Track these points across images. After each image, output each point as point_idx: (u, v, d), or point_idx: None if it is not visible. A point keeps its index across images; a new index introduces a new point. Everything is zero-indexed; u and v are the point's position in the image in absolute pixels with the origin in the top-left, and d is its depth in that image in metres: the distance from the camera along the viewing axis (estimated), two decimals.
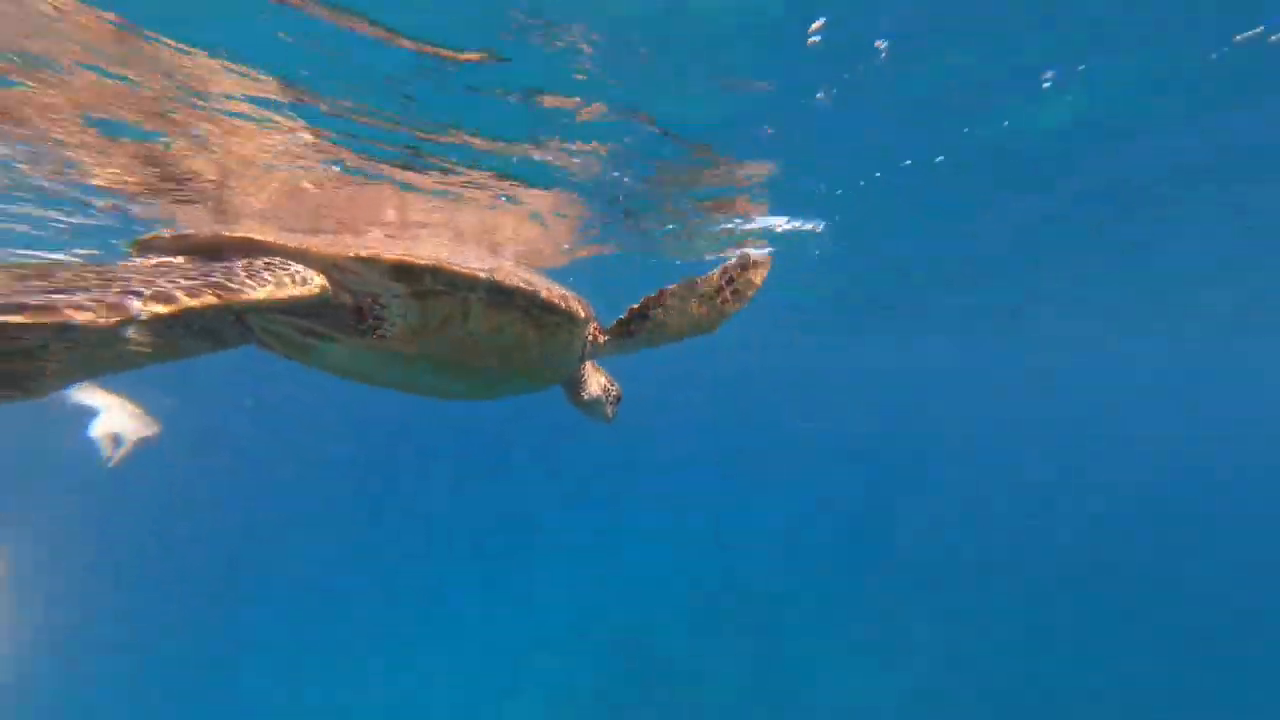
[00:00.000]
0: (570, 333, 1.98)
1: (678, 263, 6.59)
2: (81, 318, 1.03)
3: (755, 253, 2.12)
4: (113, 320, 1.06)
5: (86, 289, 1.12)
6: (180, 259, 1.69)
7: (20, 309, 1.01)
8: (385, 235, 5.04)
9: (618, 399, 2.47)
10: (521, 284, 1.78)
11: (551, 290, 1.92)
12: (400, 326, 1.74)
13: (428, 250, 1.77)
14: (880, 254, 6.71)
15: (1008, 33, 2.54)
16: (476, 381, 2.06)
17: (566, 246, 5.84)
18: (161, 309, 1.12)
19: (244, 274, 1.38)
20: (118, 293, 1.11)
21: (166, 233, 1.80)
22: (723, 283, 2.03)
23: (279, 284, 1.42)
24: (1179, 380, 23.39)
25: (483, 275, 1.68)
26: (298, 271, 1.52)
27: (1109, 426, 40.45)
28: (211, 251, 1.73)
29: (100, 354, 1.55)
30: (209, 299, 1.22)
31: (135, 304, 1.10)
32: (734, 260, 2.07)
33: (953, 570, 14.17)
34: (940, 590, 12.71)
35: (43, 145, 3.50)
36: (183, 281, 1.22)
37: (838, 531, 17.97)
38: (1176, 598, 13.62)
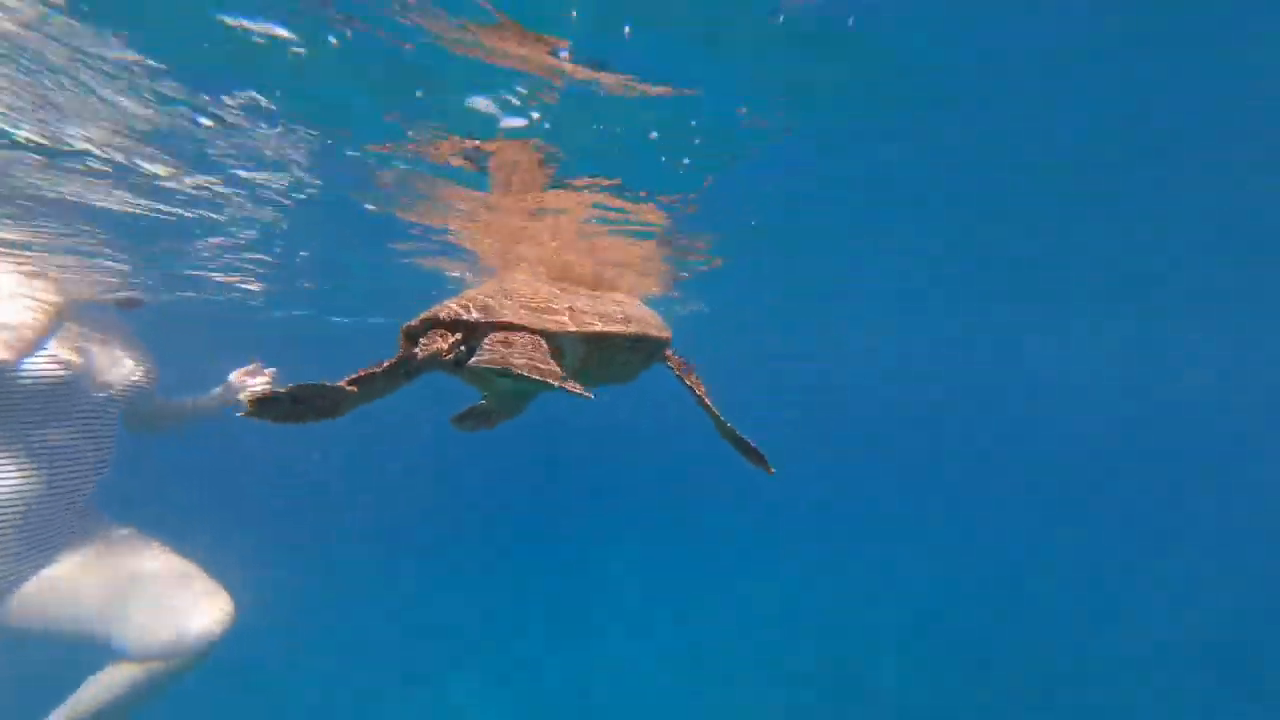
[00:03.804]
0: (664, 349, 2.66)
1: None
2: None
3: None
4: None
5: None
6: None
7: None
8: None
9: None
10: (649, 330, 2.39)
11: (661, 325, 2.56)
12: (570, 361, 2.27)
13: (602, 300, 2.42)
14: None
15: None
16: (600, 382, 2.64)
17: None
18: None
19: (533, 353, 1.93)
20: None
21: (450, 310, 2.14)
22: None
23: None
24: None
25: (629, 331, 2.27)
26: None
27: None
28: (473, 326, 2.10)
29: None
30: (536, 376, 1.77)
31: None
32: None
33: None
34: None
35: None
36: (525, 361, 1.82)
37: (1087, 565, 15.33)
38: None
